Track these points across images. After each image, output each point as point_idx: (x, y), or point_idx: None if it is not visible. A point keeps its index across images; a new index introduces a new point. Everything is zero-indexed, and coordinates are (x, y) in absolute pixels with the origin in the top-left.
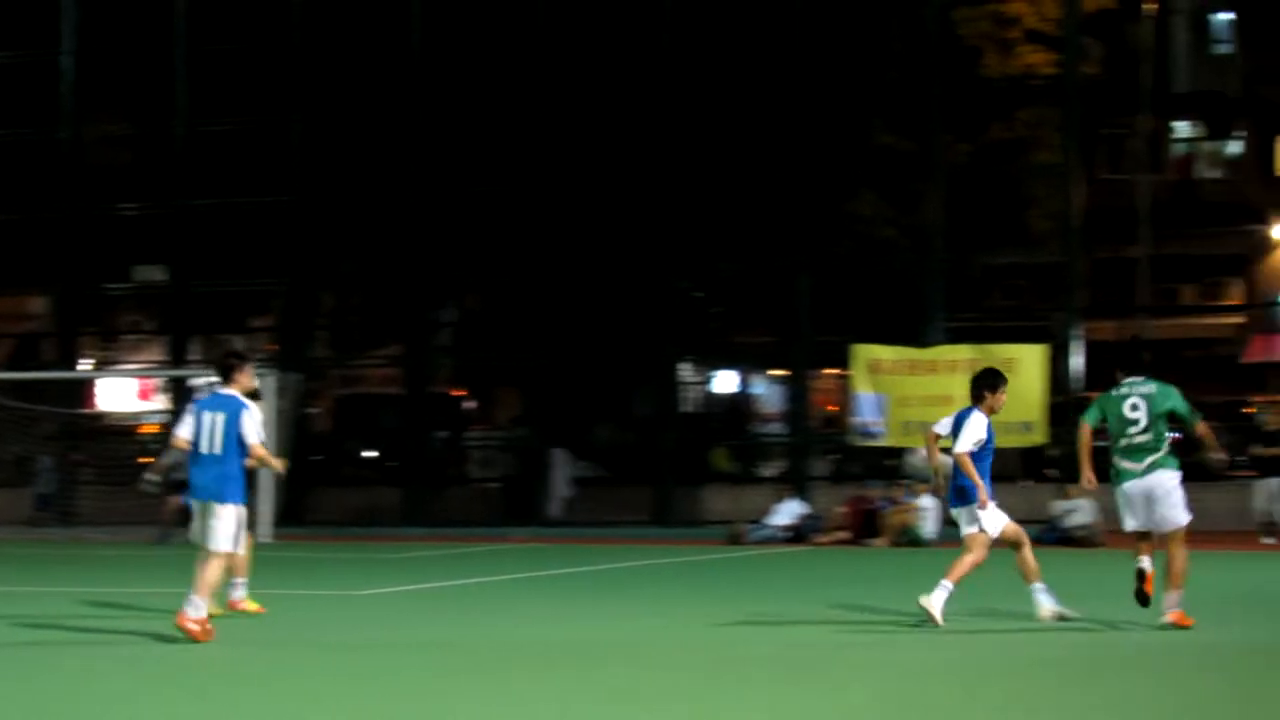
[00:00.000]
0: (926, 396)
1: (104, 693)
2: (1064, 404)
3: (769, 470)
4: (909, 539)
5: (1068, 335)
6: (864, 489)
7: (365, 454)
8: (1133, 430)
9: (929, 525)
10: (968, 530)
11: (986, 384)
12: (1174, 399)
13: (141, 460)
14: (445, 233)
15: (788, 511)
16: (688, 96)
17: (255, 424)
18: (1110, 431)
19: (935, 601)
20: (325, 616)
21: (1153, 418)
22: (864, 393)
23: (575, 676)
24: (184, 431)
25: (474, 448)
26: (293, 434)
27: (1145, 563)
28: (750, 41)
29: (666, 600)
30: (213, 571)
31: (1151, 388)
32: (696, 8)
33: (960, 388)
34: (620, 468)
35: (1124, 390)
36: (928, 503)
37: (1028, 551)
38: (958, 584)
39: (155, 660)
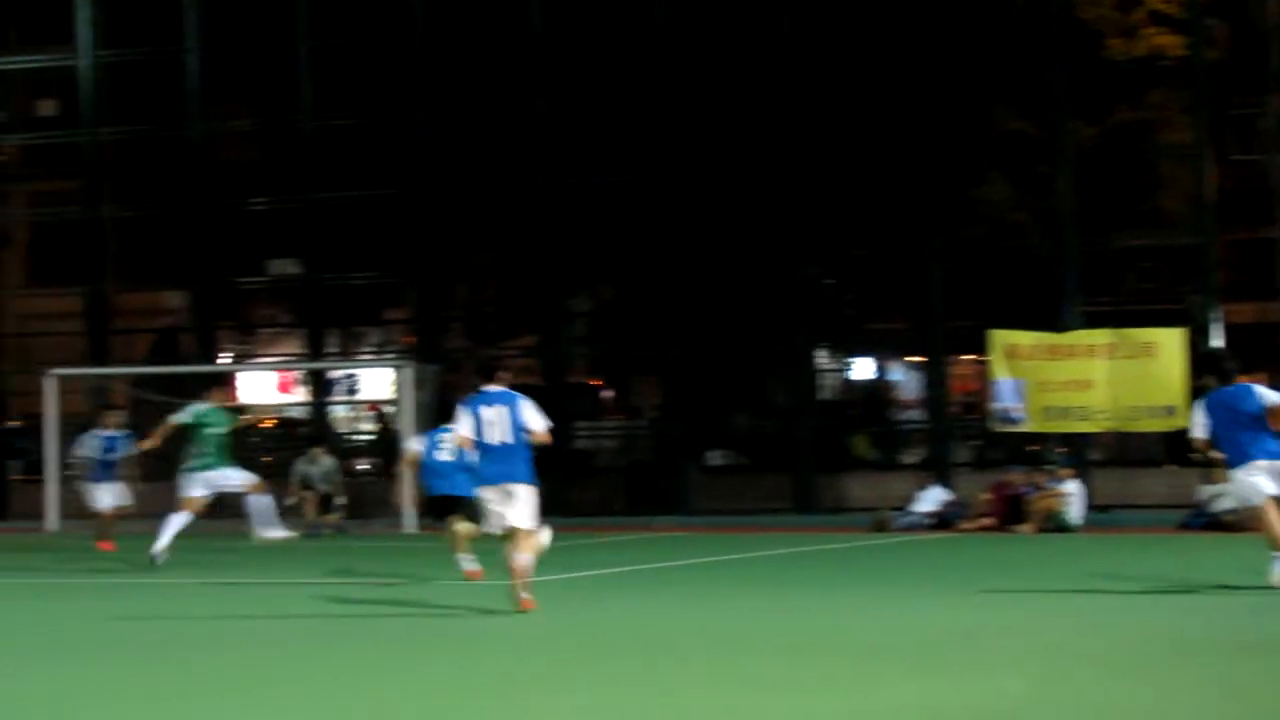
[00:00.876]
0: (1066, 381)
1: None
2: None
3: (910, 457)
4: (1055, 524)
5: (1206, 318)
6: (1007, 474)
7: None
8: None
9: (1075, 510)
10: None
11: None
12: None
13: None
14: (578, 222)
15: (931, 498)
16: (817, 82)
17: (535, 412)
18: None
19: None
20: (475, 604)
21: None
22: (1003, 378)
23: (725, 663)
24: (465, 429)
25: (612, 436)
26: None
27: None
28: (877, 26)
29: (814, 587)
30: (530, 546)
31: None
32: None
33: (1100, 372)
34: (759, 455)
35: None
36: (1073, 487)
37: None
38: None
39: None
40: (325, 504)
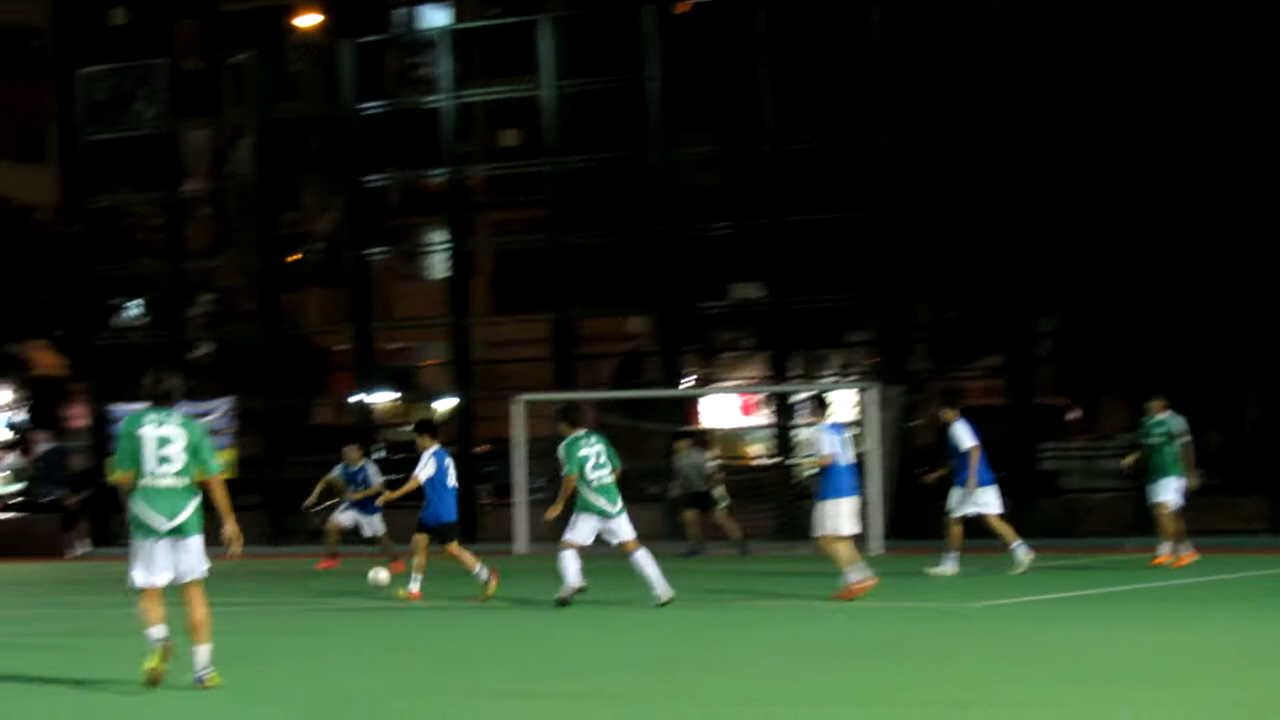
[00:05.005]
0: None
1: None
2: None
3: None
4: None
5: None
6: None
7: None
8: None
9: None
10: None
11: None
12: None
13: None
14: (1044, 240)
15: None
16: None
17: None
18: None
19: None
20: (943, 628)
21: None
22: None
23: (1203, 687)
24: (829, 448)
25: (1078, 457)
26: (897, 447)
27: None
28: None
29: None
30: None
31: None
32: None
33: None
34: (1233, 475)
35: None
36: None
37: None
38: None
39: None
40: (702, 503)
